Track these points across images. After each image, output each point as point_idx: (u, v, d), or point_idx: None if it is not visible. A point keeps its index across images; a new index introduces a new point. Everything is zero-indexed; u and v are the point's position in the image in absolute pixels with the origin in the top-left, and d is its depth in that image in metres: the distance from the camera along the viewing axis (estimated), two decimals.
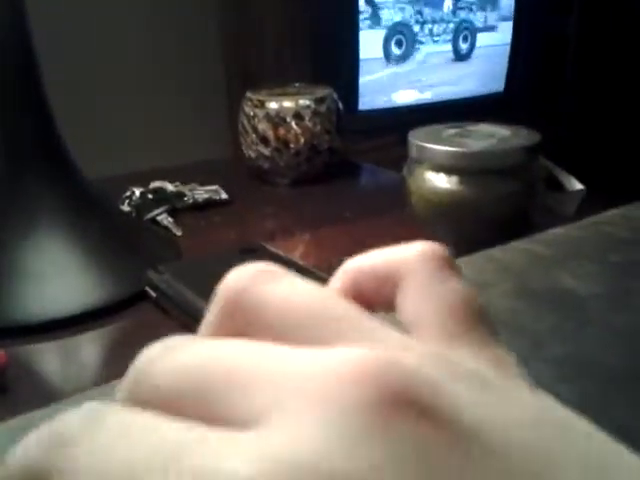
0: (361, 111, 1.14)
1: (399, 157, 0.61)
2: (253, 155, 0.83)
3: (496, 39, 1.26)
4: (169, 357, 0.14)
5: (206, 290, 0.56)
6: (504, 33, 1.26)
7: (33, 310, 0.49)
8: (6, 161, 0.54)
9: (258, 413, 0.12)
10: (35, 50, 0.53)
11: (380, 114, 1.16)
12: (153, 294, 0.52)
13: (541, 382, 0.21)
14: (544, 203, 0.57)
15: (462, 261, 0.31)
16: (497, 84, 1.29)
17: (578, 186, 0.56)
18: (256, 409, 0.12)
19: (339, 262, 0.19)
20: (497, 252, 0.32)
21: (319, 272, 0.52)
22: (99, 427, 0.12)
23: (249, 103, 0.82)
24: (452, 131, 0.57)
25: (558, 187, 0.58)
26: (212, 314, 0.16)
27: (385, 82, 1.15)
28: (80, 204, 0.56)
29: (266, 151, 0.81)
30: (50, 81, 0.55)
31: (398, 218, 0.68)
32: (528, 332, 0.24)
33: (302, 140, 0.80)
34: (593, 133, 1.22)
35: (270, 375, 0.12)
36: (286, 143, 0.80)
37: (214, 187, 0.79)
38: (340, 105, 0.85)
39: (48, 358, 0.47)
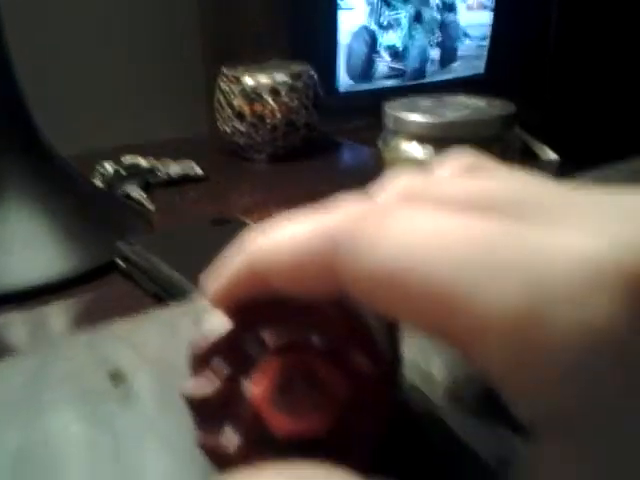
0: (341, 92, 1.13)
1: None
2: (229, 130, 0.82)
3: (478, 19, 1.25)
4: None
5: (177, 260, 0.55)
6: (485, 15, 1.25)
7: (0, 280, 0.48)
8: None
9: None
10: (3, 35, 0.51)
11: (360, 95, 1.15)
12: (123, 265, 0.51)
13: None
14: None
15: None
16: (478, 66, 1.29)
17: (552, 156, 0.56)
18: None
19: None
20: None
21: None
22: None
23: (225, 79, 0.81)
24: (428, 102, 0.56)
25: (533, 157, 0.57)
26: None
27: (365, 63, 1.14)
28: (48, 176, 0.55)
29: (242, 127, 0.80)
30: (18, 56, 0.54)
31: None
32: None
33: (278, 115, 0.79)
34: (567, 104, 1.22)
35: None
36: (262, 118, 0.79)
37: (188, 162, 0.78)
38: (317, 80, 0.84)
39: (16, 328, 0.46)
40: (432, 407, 0.18)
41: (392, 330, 0.17)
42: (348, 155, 0.94)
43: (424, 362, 0.20)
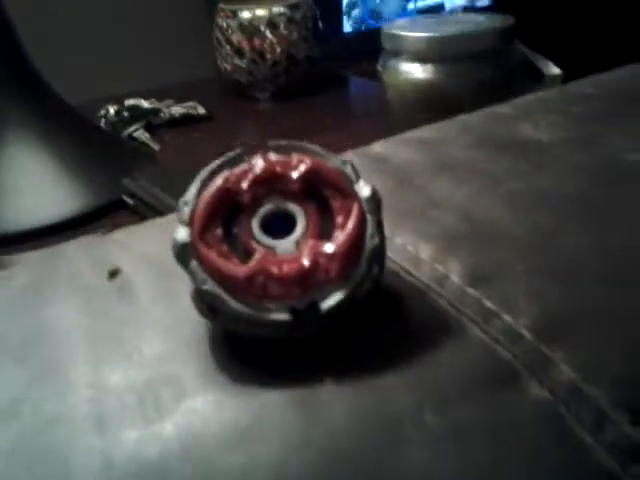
0: (346, 33, 1.10)
1: None
2: (229, 68, 0.81)
3: None
4: None
5: (182, 193, 0.56)
6: None
7: (9, 221, 0.49)
8: None
9: None
10: None
11: (366, 36, 1.12)
12: (130, 201, 0.52)
13: (493, 215, 0.21)
14: (522, 90, 0.56)
15: (423, 127, 0.31)
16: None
17: (556, 71, 0.55)
18: None
19: None
20: (461, 116, 0.31)
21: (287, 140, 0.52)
22: None
23: (222, 14, 0.80)
24: (427, 20, 0.55)
25: (536, 74, 0.56)
26: None
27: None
28: (51, 118, 0.55)
29: (242, 63, 0.79)
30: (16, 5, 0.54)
31: (379, 121, 0.67)
32: (485, 174, 0.24)
33: (278, 49, 0.78)
34: (569, 16, 1.19)
35: None
36: (262, 54, 0.78)
37: (191, 103, 0.77)
38: (317, 12, 0.82)
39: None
40: (417, 286, 0.18)
41: (377, 212, 0.17)
42: (353, 89, 0.93)
43: (412, 246, 0.20)
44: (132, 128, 0.69)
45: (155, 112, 0.73)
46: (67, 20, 0.98)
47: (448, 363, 0.15)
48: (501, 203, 0.22)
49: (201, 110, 0.76)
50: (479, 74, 0.51)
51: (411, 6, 1.12)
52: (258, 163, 0.17)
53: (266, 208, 0.17)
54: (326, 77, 0.90)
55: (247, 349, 0.17)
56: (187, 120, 0.75)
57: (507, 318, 0.17)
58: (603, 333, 0.16)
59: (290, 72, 0.81)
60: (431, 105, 0.52)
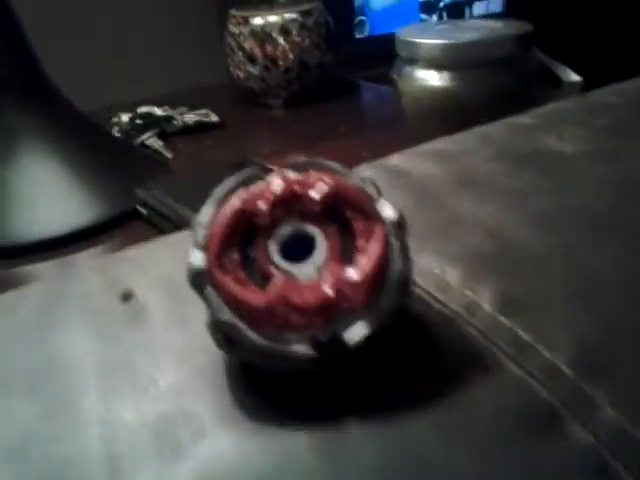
0: (358, 38, 1.10)
1: None
2: (242, 75, 0.81)
3: None
4: None
5: (196, 203, 0.55)
6: None
7: (23, 231, 0.48)
8: None
9: None
10: None
11: (378, 41, 1.12)
12: (144, 211, 0.51)
13: (519, 234, 0.20)
14: (540, 97, 0.55)
15: (442, 139, 0.30)
16: (496, 5, 1.24)
17: (575, 78, 0.54)
18: None
19: None
20: (481, 127, 0.30)
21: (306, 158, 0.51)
22: None
23: (234, 21, 0.79)
24: (442, 26, 0.54)
25: (554, 81, 0.55)
26: None
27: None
28: (65, 127, 0.55)
29: (255, 70, 0.79)
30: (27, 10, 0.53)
31: (393, 128, 0.66)
32: (509, 190, 0.23)
33: (291, 56, 0.77)
34: (588, 23, 1.17)
35: None
36: (274, 60, 0.78)
37: (204, 110, 0.77)
38: (329, 18, 0.82)
39: (40, 278, 0.46)
40: (445, 313, 0.18)
41: (402, 234, 0.16)
42: (366, 95, 0.92)
43: (438, 268, 0.19)
44: (145, 136, 0.69)
45: (168, 120, 0.73)
46: (81, 27, 0.98)
47: (482, 402, 0.14)
48: (527, 221, 0.21)
49: (214, 117, 0.76)
50: (496, 81, 0.50)
51: None
52: (276, 182, 0.16)
53: (285, 230, 0.16)
54: (339, 83, 0.89)
55: (266, 381, 0.16)
56: (200, 127, 0.75)
57: (544, 351, 0.16)
58: None
59: (302, 78, 0.80)
60: (447, 112, 0.51)
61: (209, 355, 0.17)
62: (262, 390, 0.15)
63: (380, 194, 0.16)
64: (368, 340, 0.15)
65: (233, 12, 0.79)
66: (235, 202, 0.16)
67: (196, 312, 0.18)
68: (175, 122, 0.73)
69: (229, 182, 0.17)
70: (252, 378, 0.16)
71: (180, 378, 0.16)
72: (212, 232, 0.16)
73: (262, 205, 0.16)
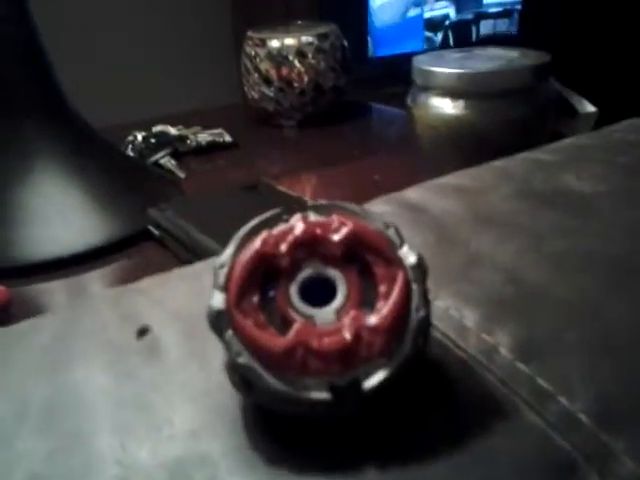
0: (371, 58, 1.10)
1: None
2: (257, 96, 0.81)
3: None
4: None
5: (209, 226, 0.55)
6: None
7: (36, 249, 0.49)
8: (2, 105, 0.53)
9: None
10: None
11: (391, 61, 1.12)
12: (156, 232, 0.52)
13: (539, 277, 0.20)
14: (556, 128, 0.55)
15: (459, 172, 0.30)
16: (511, 26, 1.25)
17: (591, 108, 0.54)
18: None
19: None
20: (498, 162, 0.30)
21: (328, 200, 0.51)
22: None
23: (250, 42, 0.80)
24: (458, 54, 0.54)
25: (570, 111, 0.55)
26: None
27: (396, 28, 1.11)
28: (79, 146, 0.55)
29: (269, 92, 0.79)
30: (47, 27, 0.54)
31: (406, 154, 0.66)
32: (528, 230, 0.23)
33: (306, 79, 0.78)
34: (605, 54, 1.17)
35: None
36: (290, 83, 0.78)
37: (218, 130, 0.77)
38: (344, 42, 0.82)
39: (52, 296, 0.46)
40: (464, 358, 0.17)
41: (423, 280, 0.16)
42: (378, 118, 0.93)
43: (456, 311, 0.19)
44: (158, 155, 0.69)
45: (182, 139, 0.73)
46: (99, 45, 0.99)
47: (501, 450, 0.14)
48: (547, 264, 0.21)
49: (227, 138, 0.76)
50: (512, 111, 0.50)
51: (412, 13, 1.12)
52: (298, 225, 0.16)
53: (305, 273, 0.16)
54: (352, 105, 0.90)
55: (283, 424, 0.16)
56: (213, 147, 0.75)
57: (563, 400, 0.15)
58: None
59: (316, 101, 0.81)
60: (461, 141, 0.51)
61: (225, 395, 0.17)
62: (279, 433, 0.15)
63: (402, 239, 0.16)
64: (386, 386, 0.15)
65: (250, 34, 0.80)
66: (257, 244, 0.16)
67: (212, 349, 0.18)
68: (189, 142, 0.73)
69: (251, 223, 0.17)
70: (269, 421, 0.16)
71: (195, 418, 0.16)
72: (233, 274, 0.16)
73: (283, 248, 0.16)
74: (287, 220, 0.17)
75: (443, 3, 1.16)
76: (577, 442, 0.14)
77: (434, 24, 1.18)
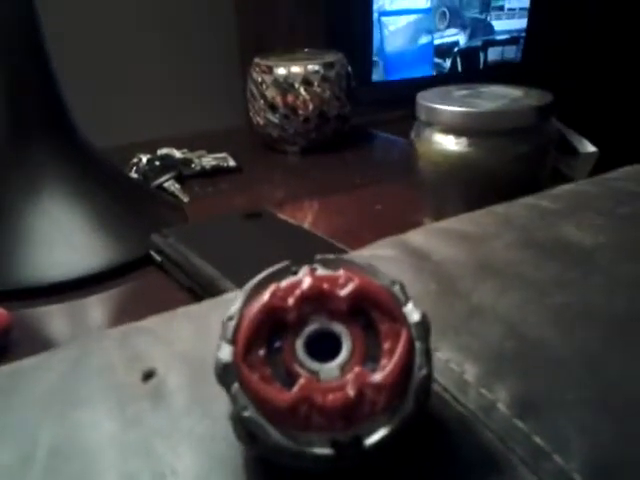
0: (375, 82, 1.12)
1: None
2: (262, 122, 0.82)
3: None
4: None
5: (211, 253, 0.55)
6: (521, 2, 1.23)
7: (38, 273, 0.49)
8: (9, 128, 0.53)
9: None
10: (40, 19, 0.52)
11: (395, 85, 1.14)
12: (158, 258, 0.52)
13: (539, 332, 0.21)
14: (556, 167, 0.55)
15: (462, 217, 0.31)
16: (518, 52, 1.26)
17: (591, 149, 0.55)
18: None
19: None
20: (500, 207, 0.31)
21: (325, 238, 0.52)
22: None
23: (257, 69, 0.81)
24: (462, 92, 0.55)
25: (571, 150, 0.56)
26: None
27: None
28: (84, 169, 0.56)
29: (274, 118, 0.80)
30: (56, 53, 0.55)
31: (409, 184, 0.67)
32: (530, 281, 0.23)
33: (311, 106, 0.79)
34: (607, 95, 1.19)
35: None
36: (294, 110, 0.79)
37: (222, 154, 0.78)
38: (350, 71, 0.83)
39: (53, 321, 0.46)
40: (463, 414, 0.18)
41: (426, 338, 0.17)
42: (382, 147, 0.94)
43: (457, 365, 0.19)
44: (163, 179, 0.70)
45: (186, 163, 0.74)
46: (105, 67, 1.01)
47: None
48: (547, 317, 0.21)
49: (231, 162, 0.77)
50: (514, 149, 0.50)
51: (423, 40, 1.13)
52: (305, 279, 0.17)
53: (312, 327, 0.17)
54: (356, 133, 0.91)
55: (285, 476, 0.16)
56: (217, 171, 0.76)
57: (558, 459, 0.16)
58: None
59: (321, 128, 0.82)
60: (464, 177, 0.52)
61: (229, 443, 0.17)
62: None
63: (407, 296, 0.17)
64: (388, 442, 0.15)
65: (257, 60, 0.81)
66: (265, 297, 0.16)
67: (217, 395, 0.18)
68: (193, 165, 0.74)
69: (260, 276, 0.17)
70: (271, 471, 0.16)
71: (199, 467, 0.16)
72: (241, 326, 0.16)
73: (291, 301, 0.16)
74: (295, 273, 0.17)
75: (453, 30, 1.18)
76: None
77: (443, 51, 1.20)
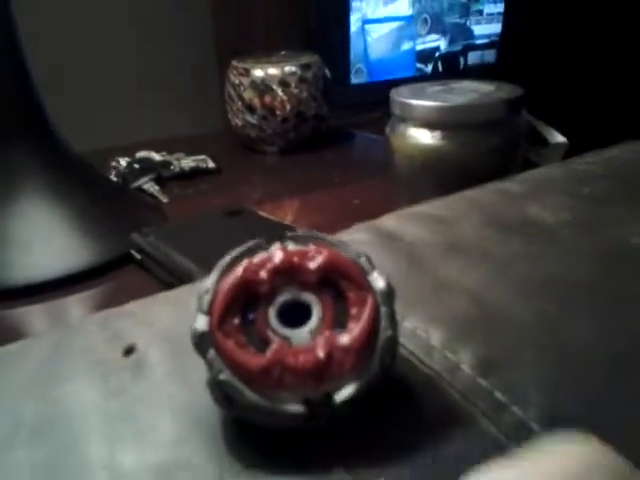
0: (353, 84, 1.13)
1: None
2: (240, 123, 0.83)
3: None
4: None
5: (191, 251, 0.56)
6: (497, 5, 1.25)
7: (17, 274, 0.49)
8: None
9: None
10: (15, 21, 0.53)
11: (374, 87, 1.15)
12: (138, 256, 0.53)
13: (502, 300, 0.22)
14: (527, 157, 0.57)
15: (434, 202, 0.32)
16: (493, 56, 1.28)
17: (561, 139, 0.56)
18: None
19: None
20: (470, 192, 0.32)
21: (305, 231, 0.53)
22: None
23: (234, 71, 0.82)
24: (435, 88, 0.56)
25: (541, 141, 0.58)
26: None
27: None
28: (62, 171, 0.56)
29: (253, 119, 0.81)
30: (33, 55, 0.55)
31: (385, 179, 0.68)
32: (494, 256, 0.24)
33: (288, 107, 0.80)
34: (576, 85, 1.21)
35: None
36: (272, 110, 0.80)
37: (202, 156, 0.79)
38: (327, 72, 0.85)
39: (33, 321, 0.47)
40: (428, 374, 0.19)
41: (391, 303, 0.18)
42: (360, 145, 0.95)
43: (423, 331, 0.20)
44: (142, 180, 0.70)
45: (165, 165, 0.75)
46: (83, 71, 1.01)
47: (458, 456, 0.16)
48: (510, 288, 0.22)
49: (210, 164, 0.77)
50: (486, 142, 0.52)
51: (405, 46, 1.15)
52: (277, 254, 0.18)
53: (283, 298, 0.17)
54: (334, 133, 0.92)
55: (260, 435, 0.17)
56: (196, 172, 0.76)
57: (517, 411, 0.17)
58: (616, 427, 0.16)
59: (299, 128, 0.83)
60: (438, 170, 0.53)
61: (207, 408, 0.18)
62: (257, 443, 0.16)
63: (372, 266, 0.18)
64: (355, 399, 0.16)
65: (234, 63, 0.82)
66: (239, 271, 0.17)
67: (195, 365, 0.19)
68: (172, 167, 0.75)
69: (234, 252, 0.18)
70: (248, 432, 0.17)
71: (179, 428, 0.17)
72: (216, 298, 0.17)
73: (263, 274, 0.17)
74: (267, 249, 0.18)
75: (434, 36, 1.20)
76: None
77: (425, 56, 1.22)
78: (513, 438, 0.16)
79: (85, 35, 1.00)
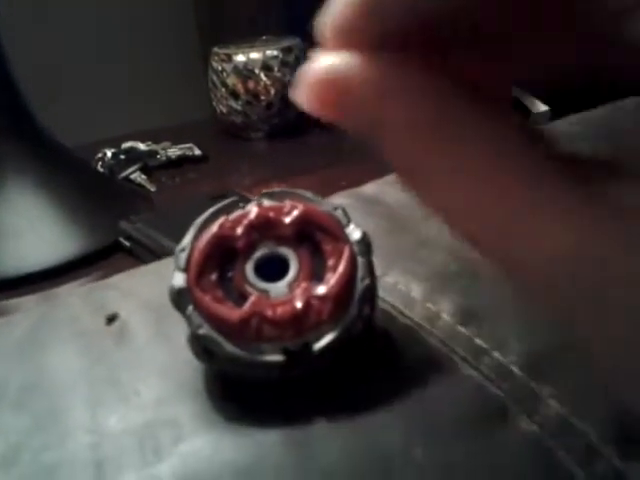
0: None
1: None
2: (225, 110, 0.83)
3: None
4: None
5: (178, 236, 0.56)
6: None
7: (8, 265, 0.49)
8: None
9: None
10: None
11: None
12: (127, 244, 0.52)
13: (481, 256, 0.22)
14: None
15: None
16: None
17: (543, 108, 0.57)
18: None
19: None
20: None
21: (281, 188, 0.53)
22: None
23: (216, 58, 0.81)
24: None
25: (522, 110, 0.58)
26: None
27: None
28: (49, 162, 0.56)
29: (237, 105, 0.81)
30: (14, 47, 0.55)
31: (372, 163, 0.68)
32: None
33: (272, 91, 0.80)
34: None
35: None
36: (256, 96, 0.80)
37: (188, 145, 0.78)
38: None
39: (24, 311, 0.47)
40: (409, 325, 0.19)
41: (367, 254, 0.18)
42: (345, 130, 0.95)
43: (404, 285, 0.20)
44: (129, 170, 0.70)
45: (151, 154, 0.74)
46: (65, 62, 1.00)
47: (439, 400, 0.16)
48: None
49: (197, 151, 0.77)
50: None
51: None
52: (252, 210, 0.18)
53: (260, 253, 0.18)
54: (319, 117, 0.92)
55: (242, 389, 0.17)
56: (183, 160, 0.76)
57: (497, 355, 0.17)
58: (591, 368, 0.17)
59: (284, 113, 0.82)
60: None
61: (188, 368, 0.18)
62: (238, 397, 0.17)
63: (349, 219, 0.18)
64: (334, 348, 0.16)
65: (216, 50, 0.82)
66: (214, 228, 0.17)
67: (177, 330, 0.19)
68: (159, 156, 0.75)
69: (210, 211, 0.18)
70: (229, 387, 0.17)
71: (162, 389, 0.17)
72: (193, 255, 0.17)
73: (239, 230, 0.17)
74: (243, 207, 0.18)
75: None
76: (508, 389, 0.16)
77: None
78: (494, 380, 0.17)
79: (67, 28, 1.00)
